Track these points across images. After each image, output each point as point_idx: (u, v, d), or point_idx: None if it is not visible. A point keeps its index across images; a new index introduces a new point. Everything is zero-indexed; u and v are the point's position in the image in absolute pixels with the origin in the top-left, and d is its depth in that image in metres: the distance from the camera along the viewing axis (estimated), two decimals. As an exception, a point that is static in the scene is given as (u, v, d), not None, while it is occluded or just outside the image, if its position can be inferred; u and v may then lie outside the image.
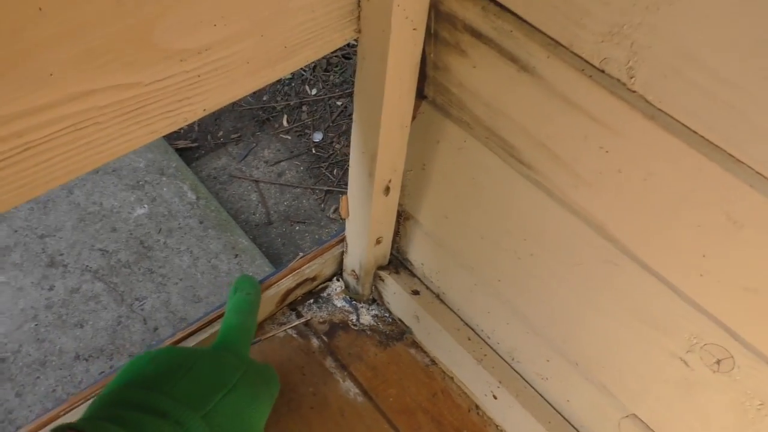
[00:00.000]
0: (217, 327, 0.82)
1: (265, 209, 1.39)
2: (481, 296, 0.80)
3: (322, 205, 1.39)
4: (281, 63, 0.56)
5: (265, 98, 1.61)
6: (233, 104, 1.60)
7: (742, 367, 0.55)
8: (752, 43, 0.38)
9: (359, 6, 0.58)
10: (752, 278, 0.48)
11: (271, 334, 0.86)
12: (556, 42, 0.50)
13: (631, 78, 0.46)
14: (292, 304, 0.89)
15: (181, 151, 1.48)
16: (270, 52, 0.54)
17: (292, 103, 1.60)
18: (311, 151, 1.50)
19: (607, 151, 0.52)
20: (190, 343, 0.79)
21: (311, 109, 1.57)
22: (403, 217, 0.86)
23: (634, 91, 0.46)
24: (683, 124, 0.44)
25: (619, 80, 0.47)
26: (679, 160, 0.46)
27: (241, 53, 0.52)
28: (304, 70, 1.63)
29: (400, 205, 0.84)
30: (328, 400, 0.81)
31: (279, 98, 1.61)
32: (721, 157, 0.44)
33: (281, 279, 0.84)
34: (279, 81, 1.64)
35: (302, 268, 0.86)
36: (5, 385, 1.00)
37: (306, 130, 1.56)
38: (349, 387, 0.82)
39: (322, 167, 1.45)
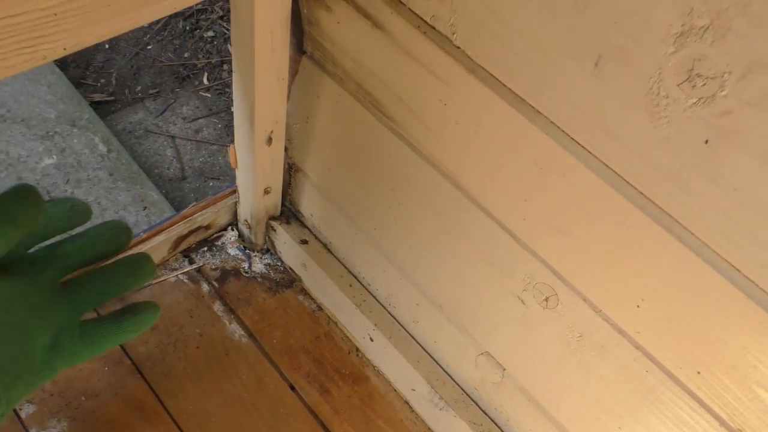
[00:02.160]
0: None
1: (179, 164, 1.40)
2: (362, 245, 0.85)
3: (238, 163, 1.41)
4: (147, 7, 0.58)
5: (186, 55, 1.61)
6: (153, 59, 1.59)
7: (564, 303, 0.61)
8: (541, 2, 0.43)
9: (227, -43, 0.60)
10: (561, 220, 0.54)
11: (162, 279, 0.89)
12: (398, -1, 0.54)
13: (454, 34, 0.50)
14: (185, 252, 0.92)
15: (96, 105, 1.47)
16: (134, -4, 0.57)
17: (213, 61, 1.61)
18: (230, 109, 1.51)
19: (445, 104, 0.57)
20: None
21: (232, 67, 1.58)
22: (293, 170, 0.90)
23: (458, 47, 0.51)
24: (495, 77, 0.50)
25: (446, 36, 0.52)
26: (496, 111, 0.51)
27: (103, -5, 0.54)
28: (227, 29, 1.63)
29: (289, 157, 0.88)
30: (214, 341, 0.85)
31: (200, 56, 1.61)
32: (525, 108, 0.49)
33: (172, 225, 0.87)
34: (201, 38, 1.64)
35: (194, 215, 0.89)
36: None
37: (226, 89, 1.57)
38: (234, 329, 0.86)
39: (240, 126, 1.46)
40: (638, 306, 0.52)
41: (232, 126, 1.57)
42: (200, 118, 1.49)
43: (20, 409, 0.77)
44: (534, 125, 0.49)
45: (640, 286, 0.50)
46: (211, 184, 1.38)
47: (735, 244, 0.41)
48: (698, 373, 0.52)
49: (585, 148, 0.46)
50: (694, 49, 0.36)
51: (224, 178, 1.39)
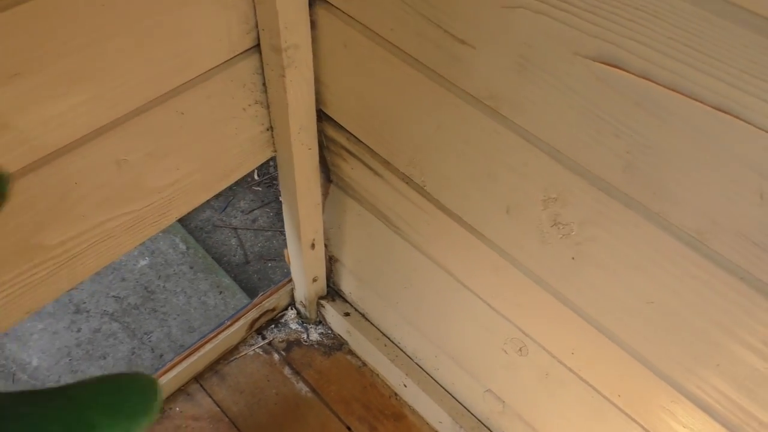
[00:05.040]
0: (204, 351, 1.10)
1: (243, 251, 1.68)
2: (390, 314, 1.09)
3: (289, 244, 1.67)
4: (225, 179, 0.86)
5: (239, 157, 1.91)
6: (213, 164, 1.88)
7: (532, 352, 0.84)
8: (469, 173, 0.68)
9: (272, 137, 0.87)
10: (514, 298, 0.78)
11: (243, 354, 1.15)
12: (387, 162, 0.80)
13: (425, 186, 0.75)
14: (258, 330, 1.18)
15: (172, 208, 1.78)
16: (216, 174, 0.84)
17: (261, 159, 1.91)
18: (278, 198, 1.80)
19: (429, 224, 0.82)
20: (185, 364, 1.08)
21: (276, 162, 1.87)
22: (333, 260, 1.15)
23: (429, 193, 0.76)
24: (455, 213, 0.74)
25: (421, 186, 0.77)
26: (458, 234, 0.76)
27: (197, 180, 0.81)
28: (270, 132, 1.93)
29: (329, 251, 1.14)
30: (287, 398, 1.10)
31: (250, 156, 1.91)
32: (476, 233, 0.73)
33: (247, 312, 1.13)
34: (250, 141, 1.94)
35: (262, 303, 1.15)
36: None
37: (273, 181, 1.85)
38: (301, 387, 1.11)
39: (288, 212, 1.73)
40: (573, 353, 0.75)
41: (282, 213, 1.86)
42: (255, 209, 1.78)
43: (153, 461, 1.03)
44: (483, 243, 0.73)
45: (568, 342, 0.73)
46: (269, 264, 1.65)
47: (608, 319, 0.64)
48: (619, 395, 0.73)
49: (513, 257, 0.70)
50: (553, 210, 0.60)
51: (280, 259, 1.66)
